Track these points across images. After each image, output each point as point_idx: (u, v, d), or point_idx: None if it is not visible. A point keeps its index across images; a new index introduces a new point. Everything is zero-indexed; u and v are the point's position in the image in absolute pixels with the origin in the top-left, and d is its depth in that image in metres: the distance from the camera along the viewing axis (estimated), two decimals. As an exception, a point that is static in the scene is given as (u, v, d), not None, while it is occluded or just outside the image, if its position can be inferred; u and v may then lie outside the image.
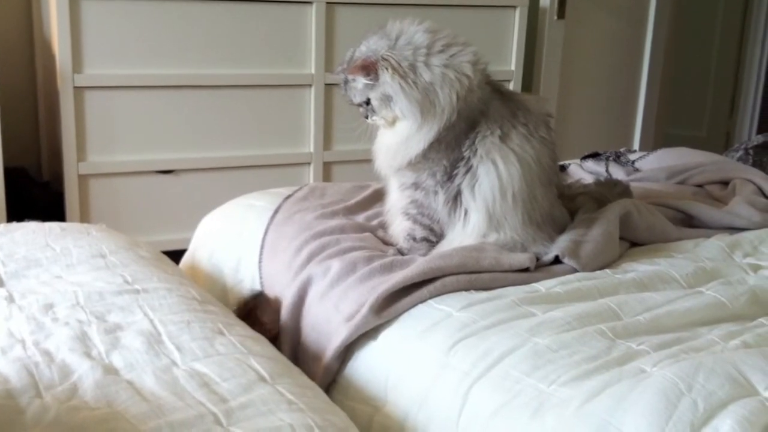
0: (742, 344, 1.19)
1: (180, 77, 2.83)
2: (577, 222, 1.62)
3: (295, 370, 1.20)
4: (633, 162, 2.27)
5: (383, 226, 1.73)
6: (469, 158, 1.52)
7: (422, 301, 1.38)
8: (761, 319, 1.30)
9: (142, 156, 2.84)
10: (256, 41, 2.93)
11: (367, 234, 1.69)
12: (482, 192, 1.51)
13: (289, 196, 1.88)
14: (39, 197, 2.90)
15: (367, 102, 1.53)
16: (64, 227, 1.70)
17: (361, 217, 1.79)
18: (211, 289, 1.81)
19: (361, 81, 1.51)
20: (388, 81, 1.48)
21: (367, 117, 1.57)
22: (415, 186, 1.57)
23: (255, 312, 1.59)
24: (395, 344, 1.34)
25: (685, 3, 4.53)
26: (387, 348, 1.34)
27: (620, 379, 1.09)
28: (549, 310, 1.32)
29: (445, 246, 1.57)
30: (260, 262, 1.71)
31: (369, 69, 1.49)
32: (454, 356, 1.23)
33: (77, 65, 2.67)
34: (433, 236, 1.59)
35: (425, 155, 1.52)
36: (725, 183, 2.07)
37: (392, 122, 1.54)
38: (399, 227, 1.64)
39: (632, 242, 1.67)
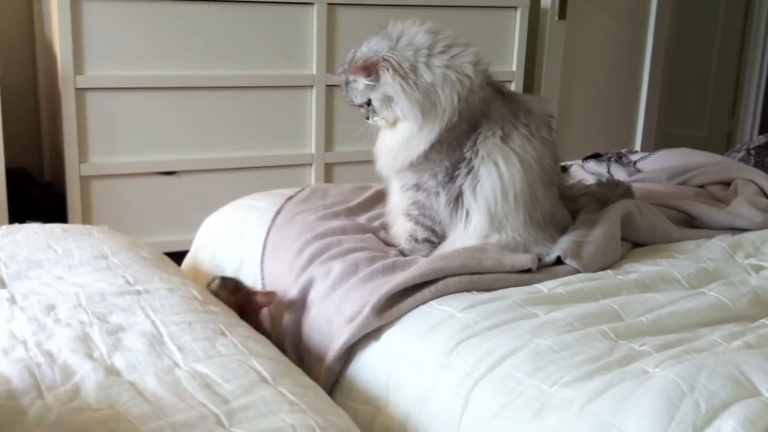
0: (745, 345, 1.19)
1: (182, 78, 2.83)
2: (579, 223, 1.62)
3: (297, 371, 1.20)
4: (634, 163, 2.27)
5: (385, 227, 1.73)
6: (470, 159, 1.52)
7: (424, 302, 1.38)
8: (763, 320, 1.30)
9: (143, 157, 2.84)
10: (257, 42, 2.93)
11: (369, 235, 1.69)
12: (484, 193, 1.51)
13: (290, 197, 1.88)
14: (41, 198, 2.90)
15: (368, 103, 1.53)
16: (66, 228, 1.70)
17: (362, 218, 1.79)
18: (212, 290, 1.80)
19: (362, 82, 1.51)
20: (389, 82, 1.48)
21: (368, 118, 1.57)
22: (417, 187, 1.57)
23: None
24: (397, 345, 1.34)
25: (686, 3, 4.53)
26: (389, 349, 1.34)
27: (622, 380, 1.09)
28: (551, 310, 1.31)
29: (446, 247, 1.57)
30: (262, 263, 1.71)
31: (370, 70, 1.49)
32: (456, 357, 1.23)
33: (78, 66, 2.67)
34: (435, 237, 1.59)
35: (426, 156, 1.52)
36: (727, 184, 2.07)
37: (393, 123, 1.54)
38: (401, 228, 1.64)
39: (634, 243, 1.67)
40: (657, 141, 4.23)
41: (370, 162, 1.66)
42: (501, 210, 1.51)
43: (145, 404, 1.01)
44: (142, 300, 1.33)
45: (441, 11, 3.18)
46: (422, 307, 1.37)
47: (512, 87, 3.38)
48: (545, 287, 1.42)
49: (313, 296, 1.51)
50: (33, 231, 1.66)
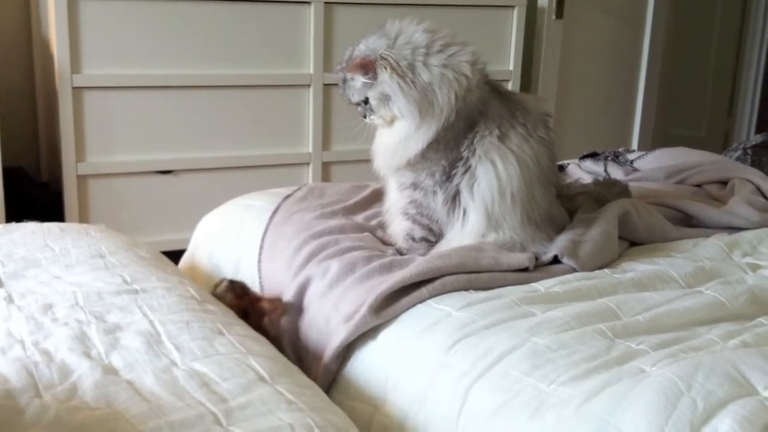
0: (742, 344, 1.19)
1: (179, 77, 2.83)
2: (576, 222, 1.62)
3: (295, 370, 1.20)
4: (632, 162, 2.28)
5: (382, 226, 1.73)
6: (467, 158, 1.52)
7: (421, 301, 1.38)
8: (760, 319, 1.31)
9: (140, 156, 2.83)
10: (254, 41, 2.93)
11: (366, 234, 1.69)
12: (481, 192, 1.51)
13: (288, 196, 1.88)
14: (38, 197, 2.90)
15: (366, 101, 1.53)
16: (63, 228, 1.70)
17: (360, 217, 1.79)
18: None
19: (359, 80, 1.51)
20: (386, 80, 1.48)
21: (365, 116, 1.56)
22: (414, 186, 1.57)
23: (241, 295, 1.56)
24: (395, 344, 1.34)
25: (683, 2, 4.54)
26: (386, 348, 1.35)
27: (620, 379, 1.09)
28: (548, 309, 1.32)
29: (444, 246, 1.57)
30: (259, 262, 1.71)
31: (367, 68, 1.49)
32: (454, 356, 1.23)
33: (76, 65, 2.67)
34: (432, 236, 1.59)
35: (424, 155, 1.52)
36: (724, 183, 2.07)
37: (391, 122, 1.54)
38: (398, 227, 1.64)
39: (631, 242, 1.67)
40: (654, 140, 4.23)
41: (367, 161, 1.66)
42: (498, 209, 1.52)
43: (143, 403, 1.01)
44: (140, 299, 1.33)
45: (438, 10, 3.18)
46: (419, 306, 1.37)
47: (509, 86, 3.38)
48: (542, 286, 1.42)
49: (311, 295, 1.51)
50: (30, 230, 1.66)
